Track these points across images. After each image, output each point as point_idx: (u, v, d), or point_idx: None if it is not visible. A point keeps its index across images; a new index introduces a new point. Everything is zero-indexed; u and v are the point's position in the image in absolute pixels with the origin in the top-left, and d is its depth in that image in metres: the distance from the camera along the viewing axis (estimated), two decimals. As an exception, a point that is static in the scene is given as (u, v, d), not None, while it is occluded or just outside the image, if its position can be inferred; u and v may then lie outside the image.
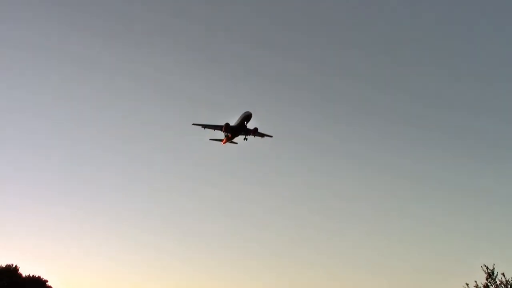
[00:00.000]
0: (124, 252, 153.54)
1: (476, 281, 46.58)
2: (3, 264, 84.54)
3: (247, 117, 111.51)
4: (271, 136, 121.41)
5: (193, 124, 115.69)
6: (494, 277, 45.78)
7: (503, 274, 45.93)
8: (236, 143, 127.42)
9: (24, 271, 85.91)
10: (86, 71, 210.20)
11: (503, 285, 45.67)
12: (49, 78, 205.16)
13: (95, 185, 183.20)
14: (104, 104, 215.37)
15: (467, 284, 47.15)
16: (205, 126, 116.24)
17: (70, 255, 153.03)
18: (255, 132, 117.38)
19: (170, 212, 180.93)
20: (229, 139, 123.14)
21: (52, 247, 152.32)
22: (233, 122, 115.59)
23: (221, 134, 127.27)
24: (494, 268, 46.21)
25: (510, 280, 45.89)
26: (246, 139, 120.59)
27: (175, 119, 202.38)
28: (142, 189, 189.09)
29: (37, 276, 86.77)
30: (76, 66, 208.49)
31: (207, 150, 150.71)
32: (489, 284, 45.97)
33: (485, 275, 46.19)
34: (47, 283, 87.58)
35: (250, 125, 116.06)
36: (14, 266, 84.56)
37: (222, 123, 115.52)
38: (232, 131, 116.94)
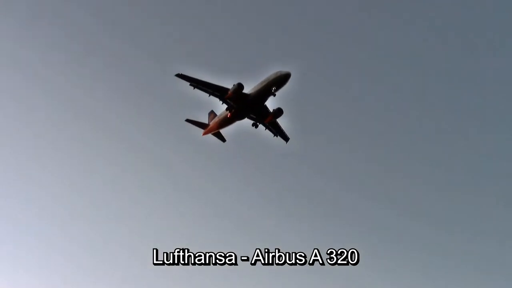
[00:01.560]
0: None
1: None
2: None
3: (282, 78, 64.05)
4: (287, 140, 74.16)
5: (178, 75, 65.23)
6: None
7: None
8: (224, 140, 77.33)
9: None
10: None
11: None
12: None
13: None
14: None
15: None
16: (196, 84, 66.09)
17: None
18: (275, 116, 69.52)
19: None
20: (223, 125, 72.84)
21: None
22: (249, 89, 67.32)
23: (205, 117, 77.66)
24: None
25: None
26: (256, 126, 71.68)
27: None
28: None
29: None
30: None
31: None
32: None
33: None
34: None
35: (273, 103, 69.11)
36: None
37: (229, 85, 66.58)
38: (242, 104, 67.46)
